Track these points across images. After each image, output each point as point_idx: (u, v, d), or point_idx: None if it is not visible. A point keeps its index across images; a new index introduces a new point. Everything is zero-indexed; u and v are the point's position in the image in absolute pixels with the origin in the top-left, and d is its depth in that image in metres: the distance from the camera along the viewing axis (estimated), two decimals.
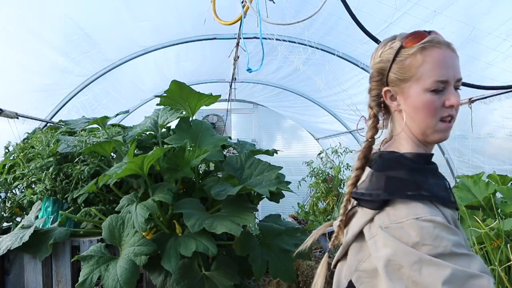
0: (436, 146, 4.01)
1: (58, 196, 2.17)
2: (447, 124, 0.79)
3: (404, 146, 0.84)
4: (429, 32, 0.81)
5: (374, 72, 0.86)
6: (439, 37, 0.80)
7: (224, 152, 2.35)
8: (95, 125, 2.29)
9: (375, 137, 0.89)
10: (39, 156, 2.23)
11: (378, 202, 0.76)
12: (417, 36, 0.80)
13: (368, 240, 0.75)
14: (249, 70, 2.26)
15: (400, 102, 0.83)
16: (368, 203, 0.78)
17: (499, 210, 2.08)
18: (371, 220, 0.76)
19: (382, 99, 0.86)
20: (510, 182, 2.24)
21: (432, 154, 0.86)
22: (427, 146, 0.85)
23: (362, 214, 0.80)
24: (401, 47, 0.81)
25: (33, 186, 2.26)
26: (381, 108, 0.87)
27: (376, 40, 1.34)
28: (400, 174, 0.78)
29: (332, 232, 0.95)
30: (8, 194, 2.33)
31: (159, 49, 3.54)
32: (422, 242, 0.67)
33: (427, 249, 0.66)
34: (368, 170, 0.86)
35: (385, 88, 0.84)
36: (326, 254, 0.93)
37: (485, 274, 0.65)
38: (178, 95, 2.17)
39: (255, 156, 2.24)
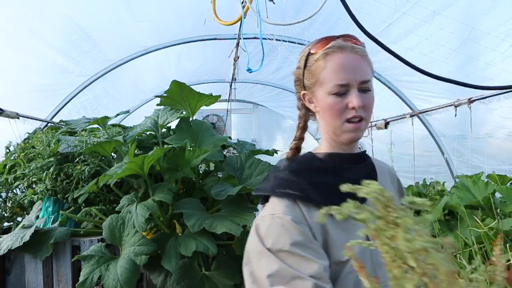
0: (435, 146, 4.02)
1: (58, 196, 2.17)
2: (354, 124, 0.81)
3: (321, 146, 0.90)
4: (338, 37, 0.84)
5: (295, 78, 0.92)
6: (342, 42, 0.83)
7: (224, 152, 2.36)
8: (95, 125, 2.29)
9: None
10: (39, 156, 2.23)
11: (262, 198, 0.85)
12: (322, 42, 0.85)
13: None
14: (249, 70, 2.27)
15: (315, 104, 0.87)
16: (260, 199, 0.87)
17: (498, 210, 2.08)
18: None
19: (302, 101, 0.91)
20: (509, 182, 2.25)
21: (348, 154, 0.88)
22: (346, 146, 0.88)
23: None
24: (309, 54, 0.87)
25: (33, 186, 2.26)
26: (304, 109, 0.92)
27: (375, 40, 1.35)
28: (282, 174, 0.84)
29: None
30: (9, 194, 2.34)
31: (160, 49, 3.54)
32: (268, 236, 0.74)
33: (270, 243, 0.73)
34: None
35: (302, 92, 0.90)
36: None
37: (312, 279, 0.67)
38: (178, 95, 2.18)
39: (255, 156, 2.24)
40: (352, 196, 0.82)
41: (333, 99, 0.81)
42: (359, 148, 0.97)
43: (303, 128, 0.94)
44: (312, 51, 0.86)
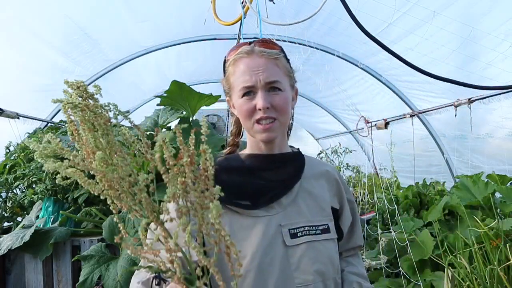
0: (435, 146, 4.02)
1: (58, 196, 2.17)
2: (264, 126, 0.84)
3: (247, 147, 0.95)
4: (251, 42, 0.87)
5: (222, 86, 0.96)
6: (249, 47, 0.86)
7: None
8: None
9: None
10: None
11: None
12: (234, 49, 0.89)
13: None
14: None
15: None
16: None
17: (498, 210, 2.09)
18: None
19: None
20: (509, 182, 2.25)
21: (266, 155, 0.91)
22: (264, 146, 0.90)
23: None
24: (225, 61, 0.91)
25: (33, 186, 2.26)
26: (235, 115, 0.94)
27: (375, 40, 1.35)
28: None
29: None
30: (9, 194, 2.34)
31: (159, 49, 3.54)
32: None
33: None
34: None
35: (227, 98, 0.93)
36: None
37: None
38: (178, 95, 2.18)
39: None
40: (262, 196, 0.85)
41: (242, 101, 0.85)
42: (293, 148, 1.00)
43: (236, 134, 0.98)
44: (226, 58, 0.90)
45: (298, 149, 1.02)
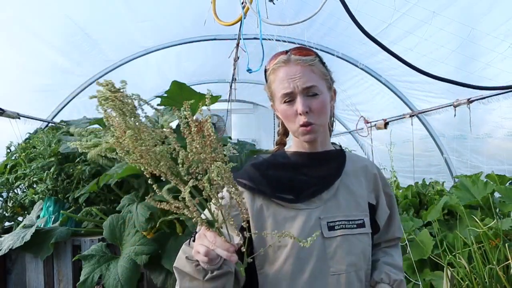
0: (435, 146, 4.01)
1: (59, 195, 2.18)
2: (305, 128, 0.91)
3: (292, 145, 1.03)
4: (288, 51, 0.93)
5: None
6: (286, 56, 0.92)
7: (224, 152, 2.36)
8: (96, 125, 2.30)
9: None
10: (40, 156, 2.24)
11: None
12: (272, 59, 0.96)
13: None
14: (249, 70, 2.27)
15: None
16: None
17: (497, 210, 2.09)
18: None
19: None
20: (508, 182, 2.26)
21: (309, 153, 0.98)
22: (308, 145, 0.97)
23: None
24: (265, 71, 0.98)
25: (34, 185, 2.27)
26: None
27: (375, 41, 1.35)
28: (247, 166, 0.98)
29: None
30: (10, 194, 2.34)
31: (160, 49, 3.55)
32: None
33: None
34: None
35: (271, 103, 1.01)
36: None
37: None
38: (179, 96, 2.18)
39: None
40: (305, 191, 0.91)
41: (284, 107, 0.92)
42: (335, 144, 1.06)
43: (282, 134, 1.07)
44: (266, 68, 0.96)
45: (340, 146, 1.08)
